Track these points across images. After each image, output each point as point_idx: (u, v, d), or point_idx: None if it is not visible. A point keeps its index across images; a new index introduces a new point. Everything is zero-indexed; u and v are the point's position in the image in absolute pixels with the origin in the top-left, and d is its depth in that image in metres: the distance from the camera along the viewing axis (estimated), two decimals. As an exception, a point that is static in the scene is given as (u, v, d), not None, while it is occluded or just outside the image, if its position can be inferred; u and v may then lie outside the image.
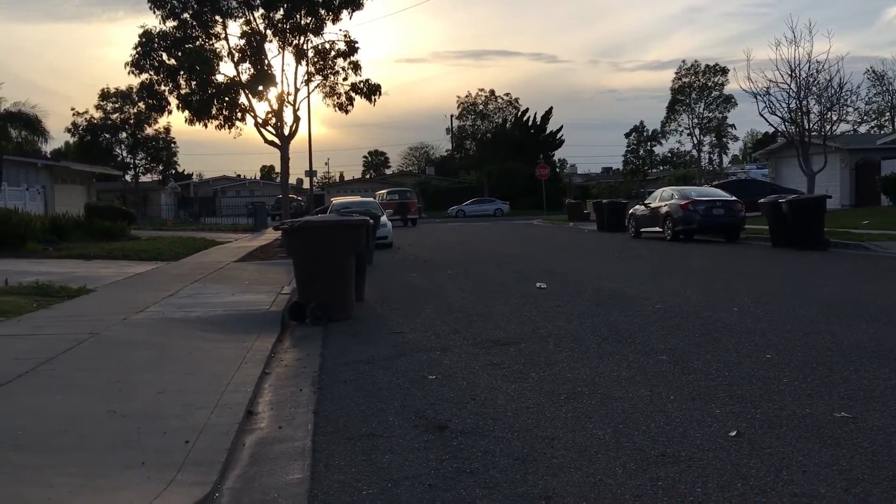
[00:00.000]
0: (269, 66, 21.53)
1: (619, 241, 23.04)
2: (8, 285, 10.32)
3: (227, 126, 21.50)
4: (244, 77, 21.22)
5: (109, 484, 3.80)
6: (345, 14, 22.31)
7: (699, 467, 3.88)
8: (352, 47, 22.48)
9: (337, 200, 26.51)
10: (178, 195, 66.38)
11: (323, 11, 21.82)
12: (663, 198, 23.09)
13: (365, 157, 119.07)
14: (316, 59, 22.55)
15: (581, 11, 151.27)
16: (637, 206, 25.22)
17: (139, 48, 20.55)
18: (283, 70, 21.63)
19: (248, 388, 5.85)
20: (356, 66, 22.71)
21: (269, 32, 21.61)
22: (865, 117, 50.50)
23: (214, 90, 21.13)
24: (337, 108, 22.93)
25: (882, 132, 49.34)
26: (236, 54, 21.13)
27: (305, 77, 22.30)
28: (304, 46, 22.06)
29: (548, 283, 11.67)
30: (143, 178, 62.48)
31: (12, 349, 6.76)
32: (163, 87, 20.84)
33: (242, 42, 21.08)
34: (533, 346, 7.07)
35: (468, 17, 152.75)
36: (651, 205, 23.56)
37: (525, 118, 68.22)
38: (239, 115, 21.36)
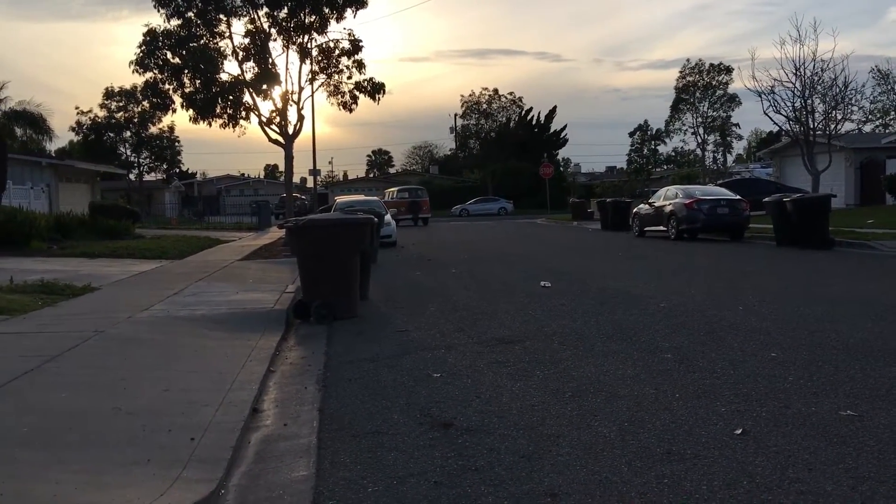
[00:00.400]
0: (274, 64, 21.57)
1: (623, 240, 23.02)
2: (13, 283, 10.34)
3: (231, 125, 21.56)
4: (248, 76, 21.26)
5: (115, 481, 3.80)
6: (349, 12, 22.34)
7: (705, 465, 3.87)
8: (356, 46, 22.50)
9: (341, 199, 26.54)
10: (183, 194, 66.47)
11: (327, 10, 21.83)
12: (667, 196, 23.06)
13: (369, 156, 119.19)
14: (320, 58, 22.56)
15: (585, 10, 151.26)
16: (641, 205, 25.20)
17: (143, 47, 20.59)
18: (287, 69, 21.71)
19: (253, 385, 5.85)
20: (360, 65, 22.75)
21: (273, 31, 21.63)
22: (870, 116, 50.30)
23: (218, 89, 21.16)
24: (341, 107, 22.99)
25: (887, 131, 49.17)
26: (240, 53, 21.19)
27: (310, 76, 22.31)
28: (309, 45, 22.09)
29: (552, 282, 11.66)
30: (147, 177, 62.61)
31: (18, 347, 6.78)
32: (167, 86, 20.87)
33: (247, 41, 21.14)
34: (538, 345, 7.06)
35: (472, 16, 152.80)
36: (655, 204, 23.53)
37: (529, 117, 68.16)
38: (243, 113, 21.41)
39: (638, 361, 6.25)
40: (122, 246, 18.01)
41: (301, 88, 21.62)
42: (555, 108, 69.11)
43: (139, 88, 24.28)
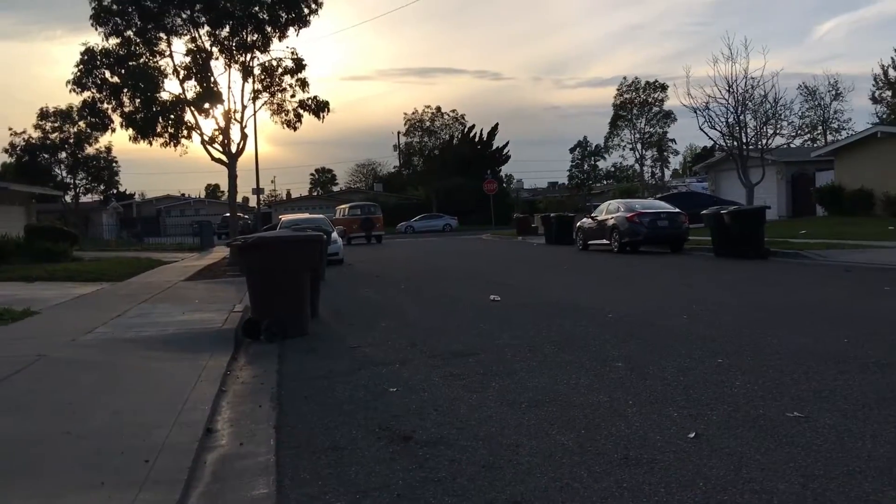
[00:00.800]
0: (216, 83, 21.34)
1: (567, 253, 23.32)
2: (-53, 309, 9.98)
3: (172, 144, 21.20)
4: (190, 94, 20.96)
5: (70, 505, 3.71)
6: (291, 31, 22.26)
7: (662, 469, 3.96)
8: (299, 64, 22.40)
9: (287, 218, 26.30)
10: (121, 215, 65.00)
11: (269, 28, 21.72)
12: (609, 210, 23.46)
13: (312, 174, 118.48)
14: (263, 77, 22.42)
15: (522, 30, 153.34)
16: (584, 219, 25.57)
17: (81, 66, 20.15)
18: (229, 87, 21.45)
19: (205, 406, 5.76)
20: (304, 83, 22.63)
21: (214, 50, 21.40)
22: (799, 131, 52.09)
23: (159, 108, 20.83)
24: (285, 125, 22.83)
25: (815, 145, 51.00)
26: (182, 72, 20.88)
27: (252, 94, 22.12)
28: (251, 64, 21.89)
29: (501, 296, 11.76)
30: (83, 199, 61.02)
31: (-43, 373, 6.54)
32: (106, 105, 20.46)
33: (188, 59, 20.83)
34: (491, 357, 7.12)
35: (412, 36, 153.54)
36: (598, 218, 23.90)
37: (472, 134, 68.74)
38: (185, 132, 21.08)
39: (590, 371, 6.35)
40: (60, 269, 17.52)
41: (244, 107, 21.44)
42: (497, 125, 69.84)
43: (77, 108, 23.74)
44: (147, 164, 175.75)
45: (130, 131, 20.49)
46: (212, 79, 21.16)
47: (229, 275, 18.26)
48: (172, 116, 21.04)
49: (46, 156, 56.12)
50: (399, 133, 69.98)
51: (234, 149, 21.44)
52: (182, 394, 6.07)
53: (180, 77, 20.93)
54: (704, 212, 20.01)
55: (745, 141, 31.32)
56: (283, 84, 22.94)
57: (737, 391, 5.46)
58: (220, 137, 21.50)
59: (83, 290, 14.08)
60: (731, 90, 30.52)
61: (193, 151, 22.32)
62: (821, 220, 30.34)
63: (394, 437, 4.74)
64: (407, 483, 3.93)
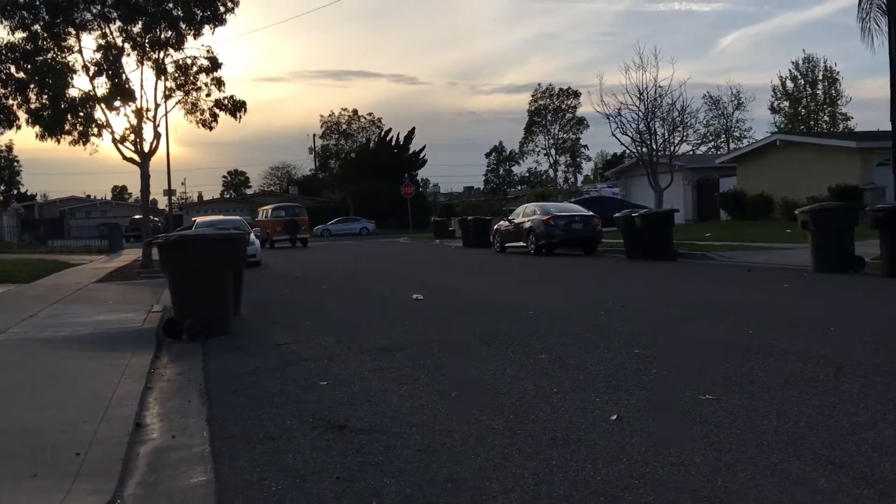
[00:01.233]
0: (128, 80, 20.67)
1: (485, 256, 23.70)
2: None
3: (82, 142, 20.43)
4: (101, 91, 20.29)
5: (4, 495, 3.67)
6: (207, 30, 21.76)
7: (587, 447, 4.19)
8: (215, 63, 21.95)
9: (201, 220, 25.80)
10: (22, 217, 62.15)
11: (184, 26, 21.17)
12: (526, 213, 23.95)
13: (224, 176, 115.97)
14: (177, 75, 21.86)
15: (437, 36, 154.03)
16: (501, 222, 26.02)
17: (-18, 60, 19.33)
18: (142, 86, 20.83)
19: (132, 402, 5.71)
20: (220, 83, 22.15)
21: (126, 46, 20.76)
22: (704, 139, 54.27)
23: (68, 104, 20.10)
24: (200, 125, 22.27)
25: (718, 153, 53.19)
26: (92, 68, 20.16)
27: (166, 92, 21.57)
28: (164, 61, 21.35)
29: (424, 296, 11.92)
30: (-20, 200, 58.14)
31: None
32: (11, 101, 19.61)
33: (99, 55, 20.17)
34: (418, 352, 7.26)
35: (326, 38, 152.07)
36: (515, 221, 24.37)
37: (388, 138, 68.79)
38: (95, 130, 20.36)
39: (515, 362, 6.57)
40: (-39, 271, 16.76)
41: (157, 105, 20.86)
42: (413, 129, 70.05)
43: (-24, 104, 22.65)
44: (50, 165, 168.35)
45: (37, 128, 19.68)
46: (123, 76, 20.51)
47: (143, 276, 17.86)
48: (82, 114, 20.30)
49: (-60, 155, 53.30)
50: (315, 135, 69.46)
51: (146, 148, 20.84)
52: (107, 391, 5.99)
53: (90, 73, 20.19)
54: (617, 215, 20.69)
55: (654, 147, 32.48)
56: (198, 83, 22.35)
57: (653, 378, 5.77)
58: (132, 136, 20.85)
59: (-12, 291, 13.53)
60: (641, 97, 31.61)
61: (103, 151, 21.64)
62: (724, 223, 31.73)
63: (328, 427, 4.83)
64: (345, 467, 4.04)
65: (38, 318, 10.01)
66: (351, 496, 3.63)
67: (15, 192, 63.50)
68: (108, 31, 20.32)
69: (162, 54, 21.09)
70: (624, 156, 52.45)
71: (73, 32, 19.99)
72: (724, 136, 61.49)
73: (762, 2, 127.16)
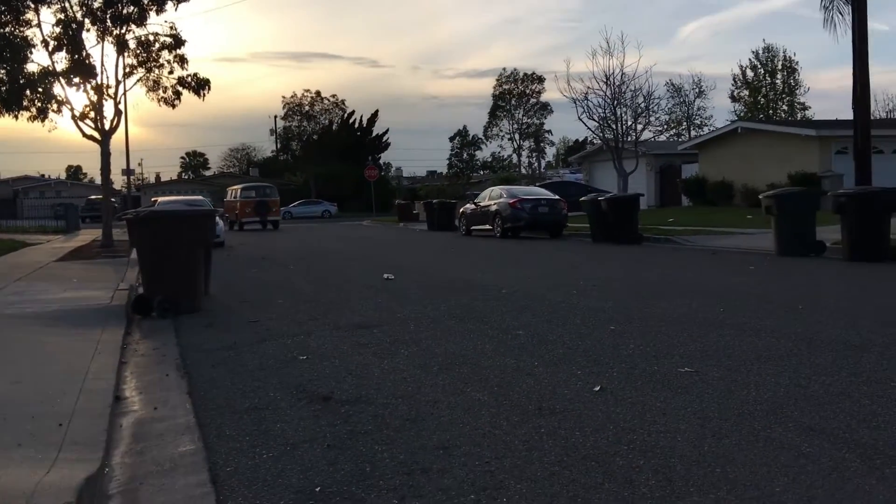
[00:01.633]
0: (88, 56, 20.23)
1: (451, 238, 23.73)
2: None
3: (40, 118, 19.98)
4: (60, 67, 19.83)
5: (-11, 464, 3.60)
6: (170, 5, 21.35)
7: (574, 416, 4.25)
8: (178, 40, 21.57)
9: (163, 199, 25.41)
10: (-27, 196, 60.56)
11: (146, 1, 20.79)
12: (492, 197, 24.03)
13: (182, 157, 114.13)
14: (139, 51, 21.43)
15: (400, 19, 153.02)
16: (467, 206, 26.07)
17: (-65, 32, 18.72)
18: (102, 62, 20.40)
19: (109, 375, 5.64)
20: (183, 60, 21.78)
21: (86, 21, 20.30)
22: (666, 126, 54.95)
23: (26, 80, 19.60)
24: (162, 103, 21.88)
25: (679, 140, 53.85)
26: (51, 42, 19.69)
27: (127, 69, 21.14)
28: (126, 37, 20.90)
29: (394, 276, 11.91)
30: (-71, 178, 56.45)
31: None
32: (-33, 76, 19.08)
33: (59, 30, 19.69)
34: (395, 328, 7.27)
35: (287, 19, 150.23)
36: (481, 204, 24.43)
37: (351, 120, 68.26)
38: (55, 106, 19.92)
39: (493, 338, 6.62)
40: (-86, 248, 16.30)
41: (118, 82, 20.45)
42: (377, 111, 69.55)
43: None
44: (1, 143, 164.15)
45: (-6, 104, 19.20)
46: (84, 51, 20.06)
47: (104, 256, 17.56)
48: (41, 89, 19.83)
49: None
50: (276, 117, 68.65)
51: (107, 126, 20.44)
52: (81, 365, 5.90)
53: (50, 48, 19.72)
54: (583, 199, 20.86)
55: (620, 132, 32.78)
56: (161, 60, 21.95)
57: (631, 352, 5.86)
58: (93, 113, 20.42)
59: (-54, 269, 13.20)
60: (608, 82, 31.85)
61: (58, 130, 21.10)
62: (686, 209, 32.17)
63: (313, 398, 4.82)
64: (335, 435, 4.04)
65: (1, 295, 9.79)
66: (344, 462, 3.64)
67: (-34, 170, 61.73)
68: (67, 4, 19.88)
69: (123, 29, 20.67)
70: (587, 141, 52.89)
71: (32, 6, 19.52)
72: (685, 123, 62.28)
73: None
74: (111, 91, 20.51)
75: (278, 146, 72.26)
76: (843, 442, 3.70)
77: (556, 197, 23.36)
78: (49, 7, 20.00)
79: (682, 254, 15.60)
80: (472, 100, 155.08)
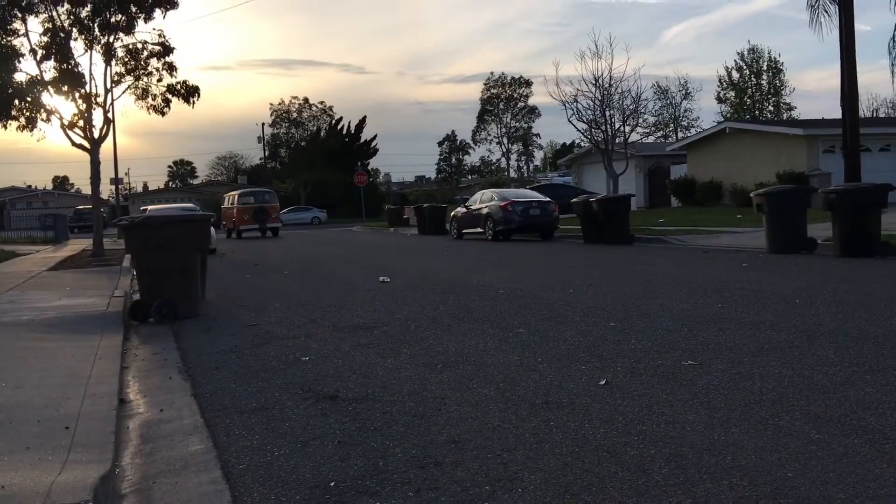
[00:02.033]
0: (77, 64, 20.16)
1: (443, 242, 23.74)
2: None
3: (29, 128, 19.89)
4: (48, 76, 19.75)
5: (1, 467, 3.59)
6: (158, 13, 21.30)
7: (582, 409, 4.27)
8: (167, 48, 21.51)
9: (152, 208, 25.33)
10: (-41, 208, 60.08)
11: (134, 9, 20.71)
12: (484, 200, 24.06)
13: (170, 166, 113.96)
14: (127, 59, 21.37)
15: (386, 25, 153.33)
16: (458, 209, 26.08)
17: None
18: (90, 70, 20.33)
19: (111, 379, 5.62)
20: (171, 67, 21.71)
21: (74, 30, 20.23)
22: (653, 128, 55.11)
23: (14, 89, 19.51)
24: (151, 111, 21.81)
25: (667, 141, 54.10)
26: (39, 51, 19.62)
27: (115, 78, 21.06)
28: (114, 45, 20.83)
29: (390, 278, 11.91)
30: (-85, 190, 56.02)
31: None
32: (-46, 85, 18.96)
33: (46, 39, 19.62)
34: (395, 329, 7.28)
35: (273, 27, 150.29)
36: (472, 207, 24.45)
37: (339, 127, 68.22)
38: (43, 116, 19.83)
39: (495, 336, 6.64)
40: None
41: (107, 90, 20.38)
42: (364, 118, 69.61)
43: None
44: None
45: (-19, 114, 19.10)
46: (72, 60, 19.99)
47: (96, 264, 17.48)
48: (29, 99, 19.73)
49: None
50: (264, 124, 68.48)
51: (96, 134, 20.36)
52: (83, 370, 5.89)
53: (38, 57, 19.65)
54: (575, 200, 20.91)
55: (610, 133, 32.90)
56: (149, 68, 21.88)
57: (634, 347, 5.89)
58: (81, 122, 20.34)
59: (-63, 279, 13.11)
60: (597, 84, 31.98)
61: (51, 138, 21.01)
62: (676, 210, 32.31)
63: (319, 397, 4.82)
64: (345, 432, 4.05)
65: (-4, 303, 9.74)
66: (356, 458, 3.64)
67: (-48, 182, 61.32)
68: (55, 13, 19.80)
69: (111, 38, 20.60)
70: (574, 144, 53.05)
71: (20, 16, 19.45)
72: (672, 125, 62.54)
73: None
74: (100, 100, 20.45)
75: (266, 153, 72.08)
76: (852, 428, 3.73)
77: (548, 199, 23.42)
78: (36, 16, 19.92)
79: (674, 253, 15.66)
80: (460, 105, 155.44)
